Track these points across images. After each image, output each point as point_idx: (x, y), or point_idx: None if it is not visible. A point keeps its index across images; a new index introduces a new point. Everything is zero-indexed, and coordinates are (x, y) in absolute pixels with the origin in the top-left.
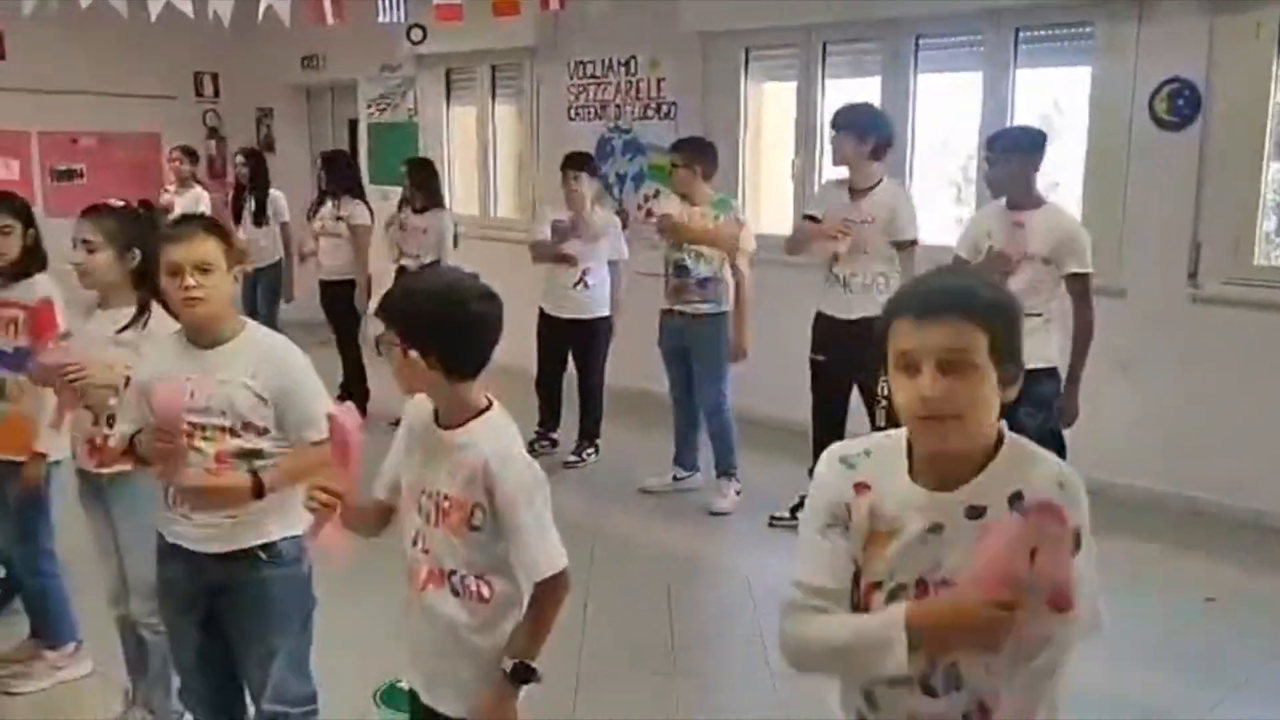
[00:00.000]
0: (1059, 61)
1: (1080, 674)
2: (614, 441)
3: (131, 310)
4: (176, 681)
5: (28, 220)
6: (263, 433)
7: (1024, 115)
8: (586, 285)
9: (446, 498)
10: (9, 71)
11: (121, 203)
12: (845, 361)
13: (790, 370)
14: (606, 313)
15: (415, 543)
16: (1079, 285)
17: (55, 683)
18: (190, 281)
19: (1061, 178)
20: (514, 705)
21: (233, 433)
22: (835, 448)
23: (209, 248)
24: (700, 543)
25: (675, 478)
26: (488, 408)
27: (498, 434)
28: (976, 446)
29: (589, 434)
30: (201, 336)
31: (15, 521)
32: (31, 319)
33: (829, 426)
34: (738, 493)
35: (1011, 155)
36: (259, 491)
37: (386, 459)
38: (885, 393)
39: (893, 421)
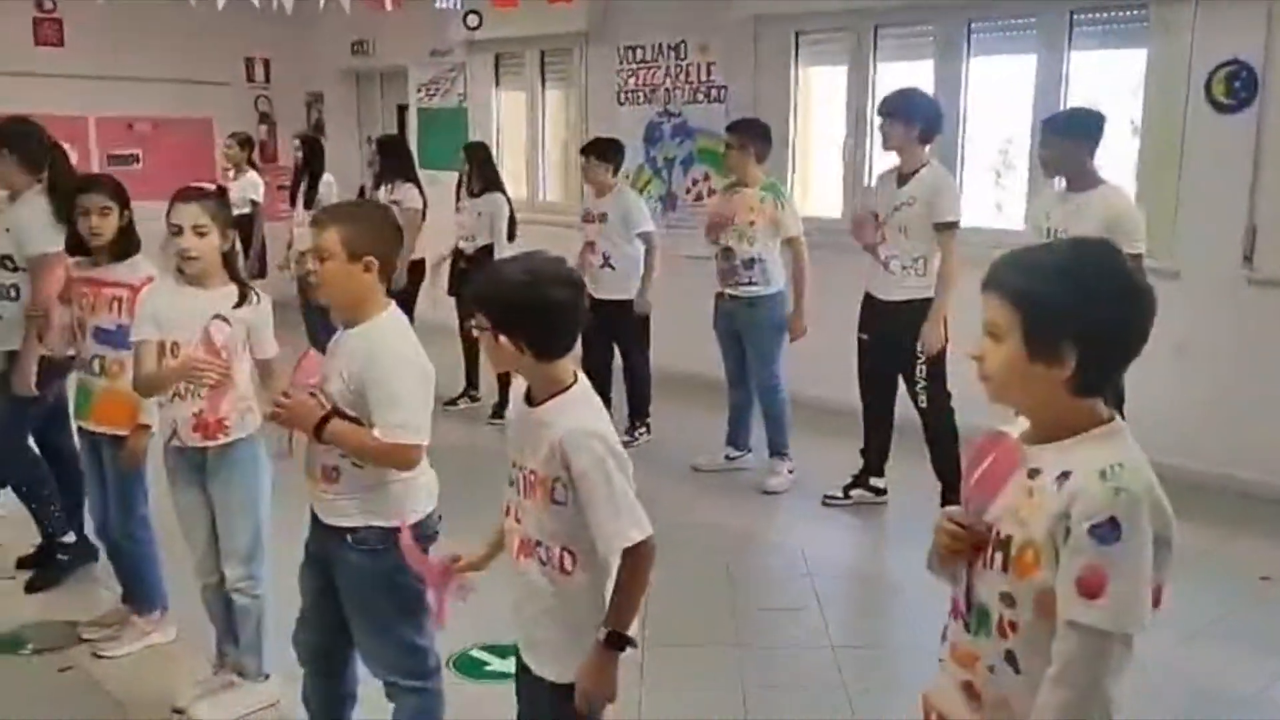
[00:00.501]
0: (1114, 44)
1: (1137, 650)
2: (667, 422)
3: (229, 289)
4: (266, 646)
5: (124, 202)
6: (357, 423)
7: (1078, 98)
8: (611, 267)
9: (533, 472)
10: (67, 59)
11: (214, 186)
12: (886, 342)
13: (842, 352)
14: (625, 296)
15: (509, 512)
16: (1133, 264)
17: (143, 647)
18: (312, 266)
19: (1115, 160)
20: (613, 671)
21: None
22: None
23: (328, 238)
24: (755, 520)
25: (728, 457)
26: (571, 385)
27: (575, 410)
28: (1049, 417)
29: (638, 413)
30: (341, 315)
31: (114, 490)
32: (136, 298)
33: (877, 406)
34: (790, 472)
35: (1064, 137)
36: (320, 431)
37: None
38: (923, 374)
39: (934, 402)
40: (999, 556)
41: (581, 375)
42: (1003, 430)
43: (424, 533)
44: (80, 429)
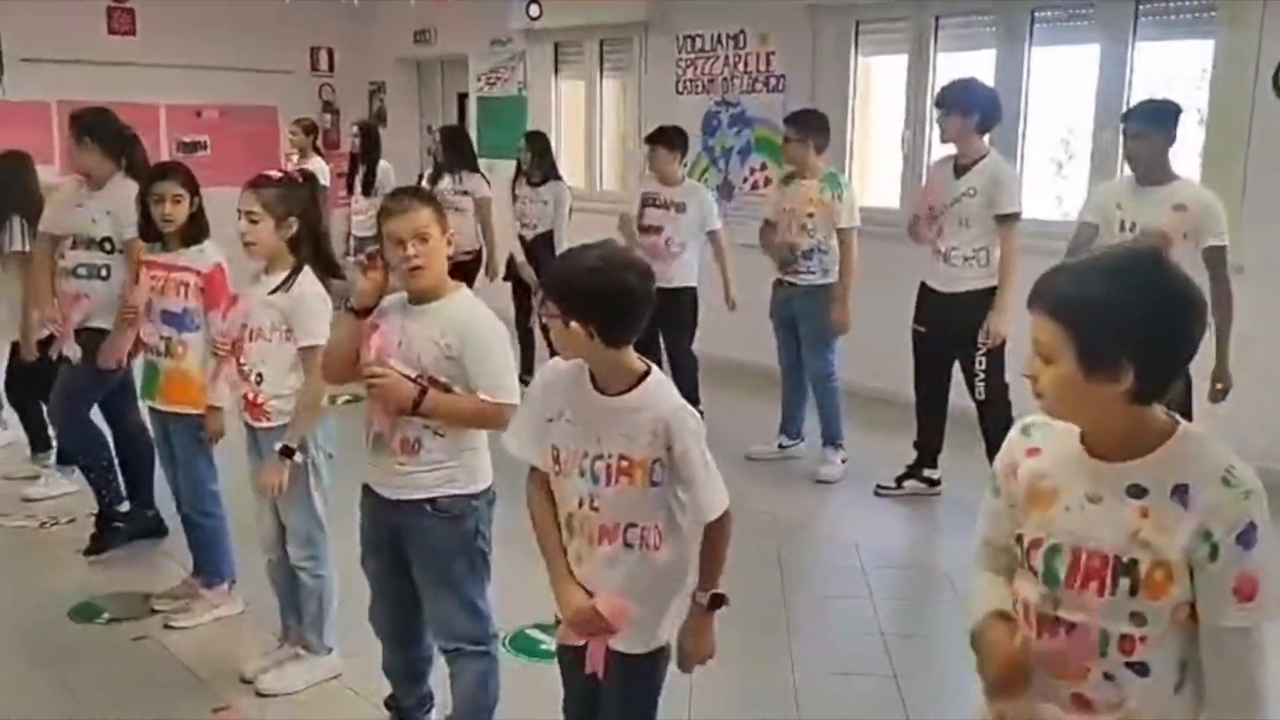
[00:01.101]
0: (1180, 35)
1: None
2: (720, 410)
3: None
4: (329, 622)
5: (194, 190)
6: (446, 390)
7: (1142, 89)
8: (675, 256)
9: (624, 458)
10: (139, 48)
11: (280, 174)
12: (944, 334)
13: (897, 342)
14: (691, 283)
15: (582, 504)
16: (1215, 258)
17: (212, 619)
18: (411, 251)
19: (1180, 152)
20: (714, 630)
21: (418, 383)
22: (1026, 417)
23: (425, 217)
24: (807, 509)
25: (781, 446)
26: (649, 370)
27: (669, 393)
28: (1111, 432)
29: (688, 400)
30: (419, 296)
31: (183, 467)
32: (206, 284)
33: (930, 398)
34: (844, 461)
35: (1156, 128)
36: (418, 404)
37: (520, 421)
38: (983, 366)
39: (992, 394)
40: (1125, 581)
41: (652, 364)
42: None
43: (488, 499)
44: (150, 409)
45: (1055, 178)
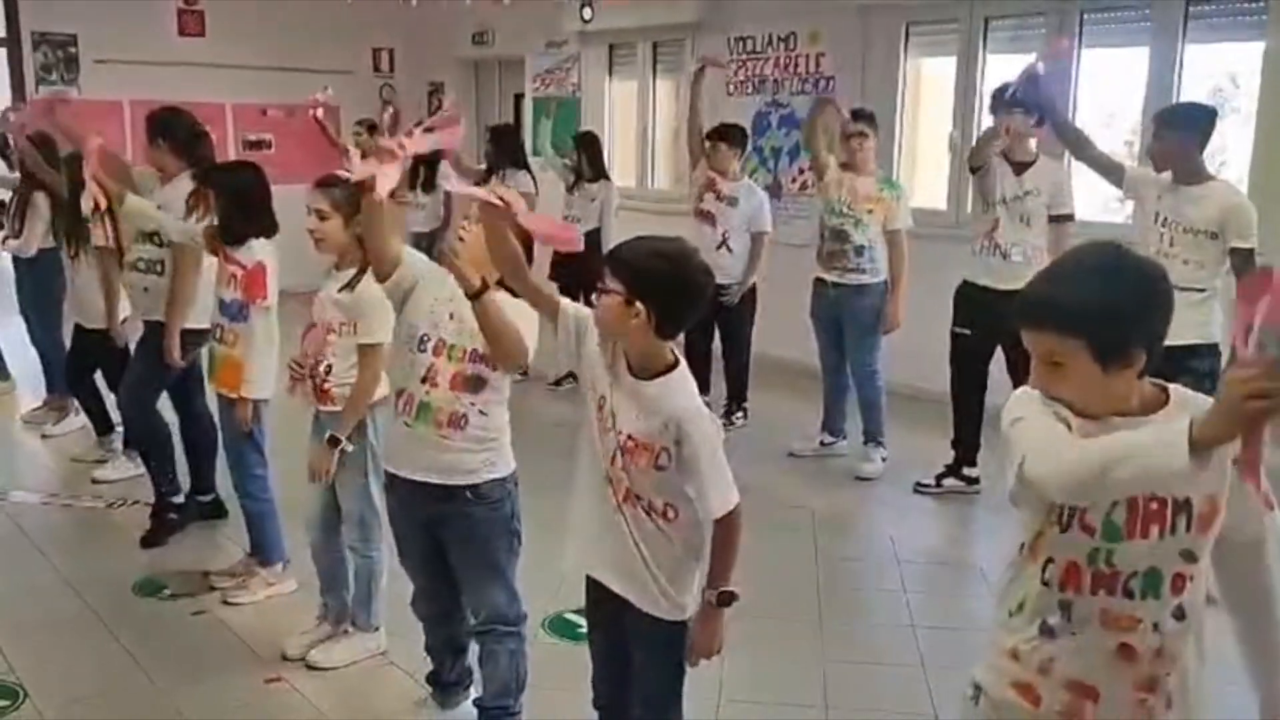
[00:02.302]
0: (1230, 36)
1: (1221, 638)
2: (763, 407)
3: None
4: (377, 601)
5: (231, 189)
6: (494, 368)
7: (1191, 90)
8: (730, 250)
9: (631, 438)
10: (208, 49)
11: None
12: (992, 331)
13: (941, 342)
14: (736, 280)
15: (614, 460)
16: (1243, 260)
17: (266, 596)
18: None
19: (1231, 154)
20: (721, 626)
21: (470, 357)
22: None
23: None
24: (846, 505)
25: (822, 443)
26: (676, 363)
27: (687, 389)
28: (1116, 404)
29: (737, 398)
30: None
31: (229, 451)
32: (247, 278)
33: (970, 397)
34: (884, 459)
35: (1175, 130)
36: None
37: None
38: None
39: None
40: (1182, 519)
41: (680, 355)
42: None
43: (515, 481)
44: (216, 392)
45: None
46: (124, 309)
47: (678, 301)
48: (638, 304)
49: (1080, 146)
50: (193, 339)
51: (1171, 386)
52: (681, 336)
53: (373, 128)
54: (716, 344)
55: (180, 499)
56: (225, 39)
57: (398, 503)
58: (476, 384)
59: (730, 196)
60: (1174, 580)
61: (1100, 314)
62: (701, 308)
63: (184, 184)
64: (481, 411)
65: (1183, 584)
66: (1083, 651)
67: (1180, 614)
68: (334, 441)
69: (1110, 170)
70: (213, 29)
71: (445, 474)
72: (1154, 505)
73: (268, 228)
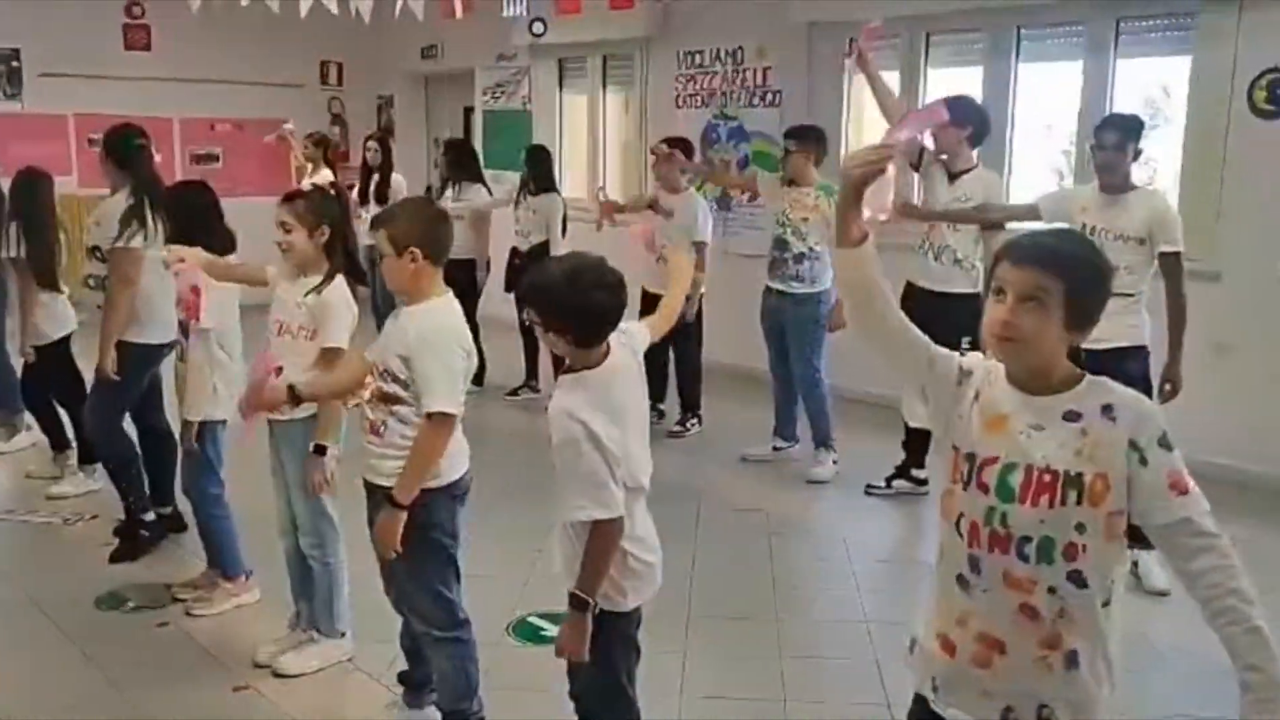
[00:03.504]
0: (1160, 51)
1: (1165, 633)
2: (717, 414)
3: (318, 279)
4: (339, 606)
5: (172, 208)
6: (403, 385)
7: (1123, 104)
8: (667, 262)
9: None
10: (155, 62)
11: (311, 187)
12: (929, 332)
13: None
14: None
15: None
16: (1172, 264)
17: (231, 607)
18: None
19: (1160, 165)
20: (580, 629)
21: (381, 375)
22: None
23: (379, 237)
24: (799, 507)
25: (775, 448)
26: (592, 366)
27: (570, 390)
28: (1048, 369)
29: (689, 406)
30: (403, 297)
31: (187, 467)
32: (187, 300)
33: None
34: (835, 463)
35: (1127, 138)
36: (399, 505)
37: None
38: (966, 347)
39: None
40: (1073, 493)
41: (615, 355)
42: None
43: (458, 491)
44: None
45: (1058, 189)
46: (70, 324)
47: (583, 319)
48: (552, 333)
49: (987, 220)
50: (148, 353)
51: (1089, 375)
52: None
53: (321, 141)
54: None
55: (151, 516)
56: (172, 53)
57: (366, 494)
58: (391, 399)
59: (666, 210)
60: (1066, 548)
61: (1082, 268)
62: (615, 318)
63: (120, 200)
64: (400, 421)
65: (1075, 553)
66: (992, 607)
67: (1080, 581)
68: (320, 450)
69: (1025, 215)
70: (159, 43)
71: (371, 474)
72: (1046, 477)
73: (221, 244)
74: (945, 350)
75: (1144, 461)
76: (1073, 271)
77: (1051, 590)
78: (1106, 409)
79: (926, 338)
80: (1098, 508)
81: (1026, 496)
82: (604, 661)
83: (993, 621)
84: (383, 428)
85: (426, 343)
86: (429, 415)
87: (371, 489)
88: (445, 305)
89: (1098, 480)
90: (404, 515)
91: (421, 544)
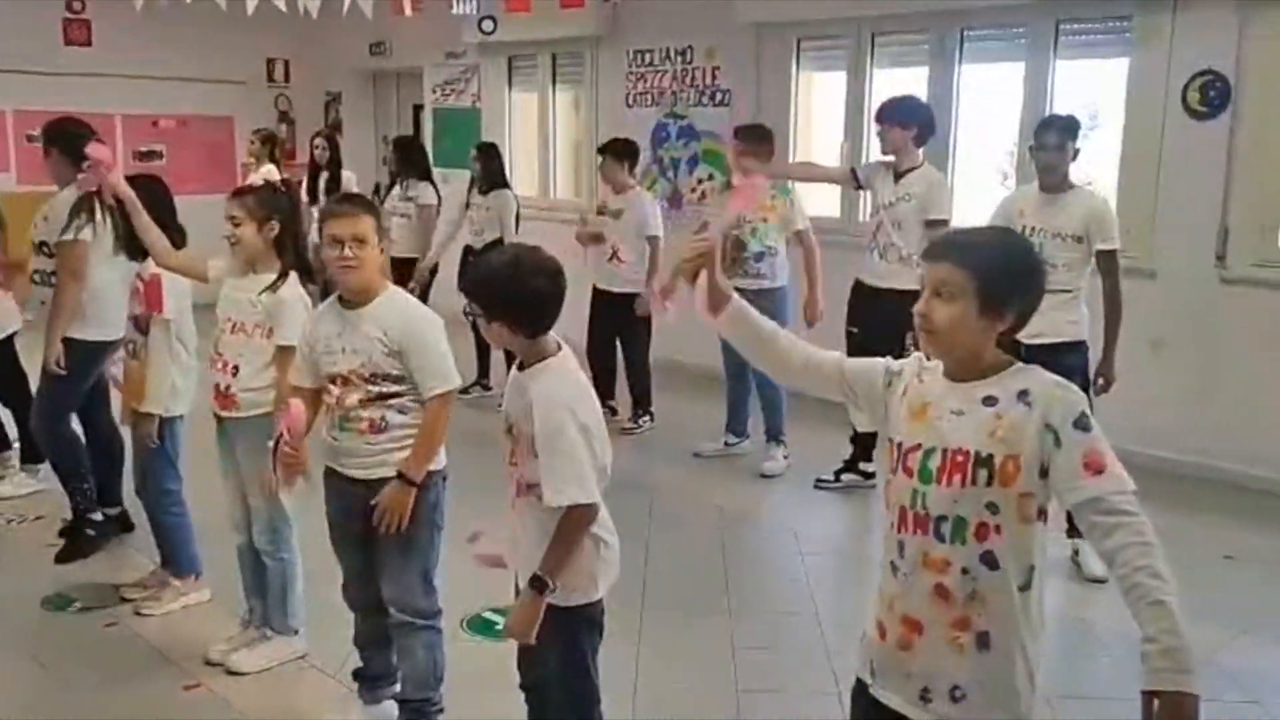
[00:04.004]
0: (1098, 53)
1: (1103, 618)
2: (669, 411)
3: (273, 276)
4: (293, 603)
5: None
6: (398, 380)
7: (1063, 105)
8: (619, 260)
9: (513, 426)
10: (95, 58)
11: (261, 183)
12: (875, 329)
13: (837, 344)
14: (638, 289)
15: (506, 459)
16: (1108, 261)
17: (180, 607)
18: (348, 253)
19: (1098, 165)
20: (532, 612)
21: (370, 380)
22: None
23: (365, 223)
24: (751, 501)
25: (727, 443)
26: (551, 356)
27: (549, 377)
28: (974, 359)
29: (640, 402)
30: (354, 298)
31: (143, 465)
32: (146, 291)
33: None
34: (786, 457)
35: (1068, 139)
36: (410, 482)
37: None
38: (911, 344)
39: None
40: (983, 472)
41: (566, 348)
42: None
43: (443, 477)
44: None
45: (1001, 188)
46: (15, 323)
47: (526, 307)
48: (495, 323)
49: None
50: (96, 351)
51: (1021, 364)
52: (587, 346)
53: (269, 138)
54: None
55: (99, 516)
56: (113, 48)
57: (334, 489)
58: (387, 398)
59: (614, 210)
60: (978, 528)
61: (992, 260)
62: (556, 305)
63: (71, 193)
64: (400, 411)
65: (987, 533)
66: (912, 589)
67: (992, 562)
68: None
69: (839, 177)
70: (100, 38)
71: (376, 469)
72: (959, 458)
73: (174, 240)
74: (862, 361)
75: (1059, 443)
76: (980, 262)
77: (965, 571)
78: (1023, 394)
79: (835, 356)
80: (1009, 488)
81: (942, 477)
82: (574, 652)
83: (912, 603)
84: (383, 423)
85: (414, 332)
86: (435, 396)
87: (362, 483)
88: (405, 296)
89: (1009, 462)
90: (414, 491)
91: (425, 524)
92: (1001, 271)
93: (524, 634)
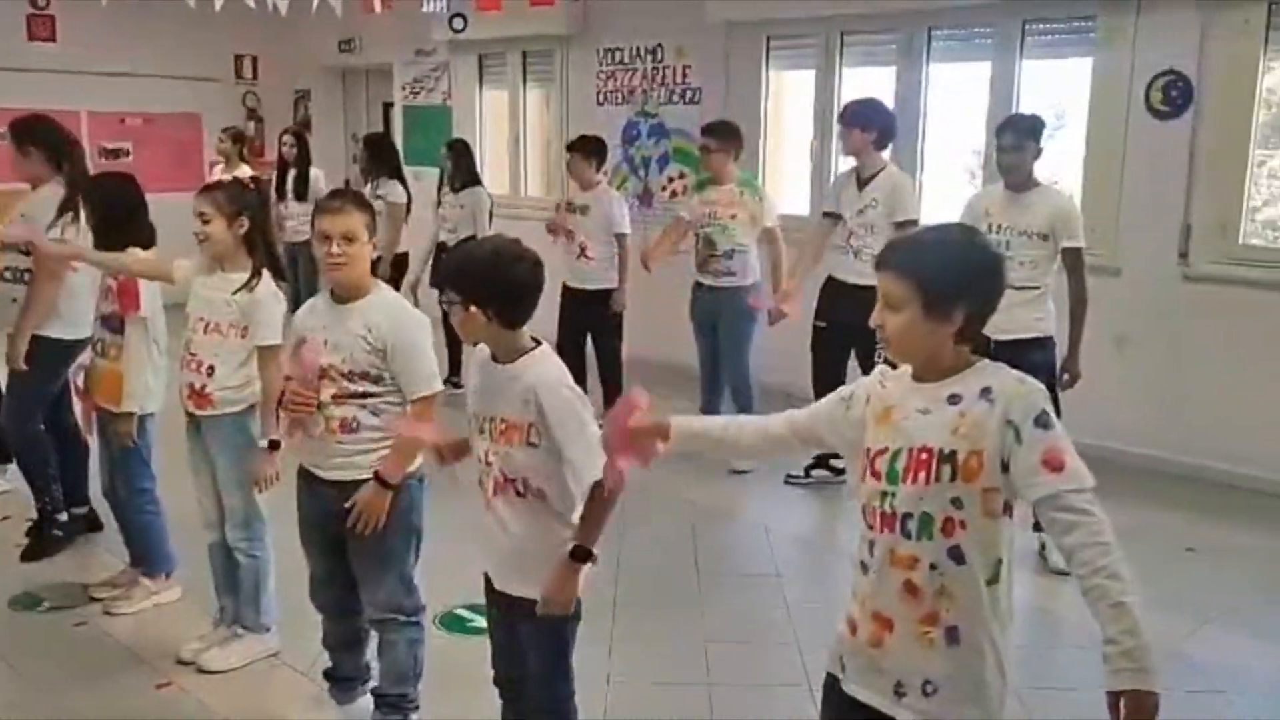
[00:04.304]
0: (1063, 54)
1: (1066, 608)
2: None
3: (245, 275)
4: (266, 601)
5: (104, 201)
6: (376, 380)
7: (1029, 105)
8: (588, 258)
9: (504, 420)
10: (60, 55)
11: (230, 178)
12: (846, 325)
13: (808, 342)
14: (607, 286)
15: (482, 459)
16: (1073, 259)
17: (150, 605)
18: (335, 249)
19: (1063, 164)
20: (574, 583)
21: (348, 377)
22: (883, 367)
23: (356, 220)
24: (722, 497)
25: None
26: (535, 346)
27: (544, 365)
28: (935, 360)
29: (612, 399)
30: (343, 294)
31: (117, 463)
32: (120, 290)
33: (827, 392)
34: None
35: (1030, 139)
36: (385, 484)
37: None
38: (881, 358)
39: None
40: (947, 468)
41: (545, 344)
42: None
43: (419, 478)
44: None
45: (969, 187)
46: None
47: (507, 294)
48: (473, 308)
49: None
50: (68, 349)
51: (986, 361)
52: (557, 343)
53: (239, 136)
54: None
55: (65, 516)
56: (79, 44)
57: (306, 490)
58: (361, 396)
59: (581, 206)
60: (944, 524)
61: (932, 264)
62: (535, 294)
63: (50, 192)
64: (373, 413)
65: (953, 528)
66: (881, 587)
67: (959, 557)
68: (274, 445)
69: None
70: (65, 34)
71: (348, 471)
72: (923, 455)
73: (145, 239)
74: (813, 407)
75: (1019, 439)
76: (919, 268)
77: (933, 567)
78: (985, 391)
79: (784, 416)
80: (972, 483)
81: (907, 476)
82: (559, 643)
83: (882, 600)
84: (354, 424)
85: (401, 333)
86: (418, 400)
87: (334, 484)
88: (395, 296)
89: (972, 457)
90: (390, 494)
91: (404, 527)
92: (943, 274)
93: (565, 605)
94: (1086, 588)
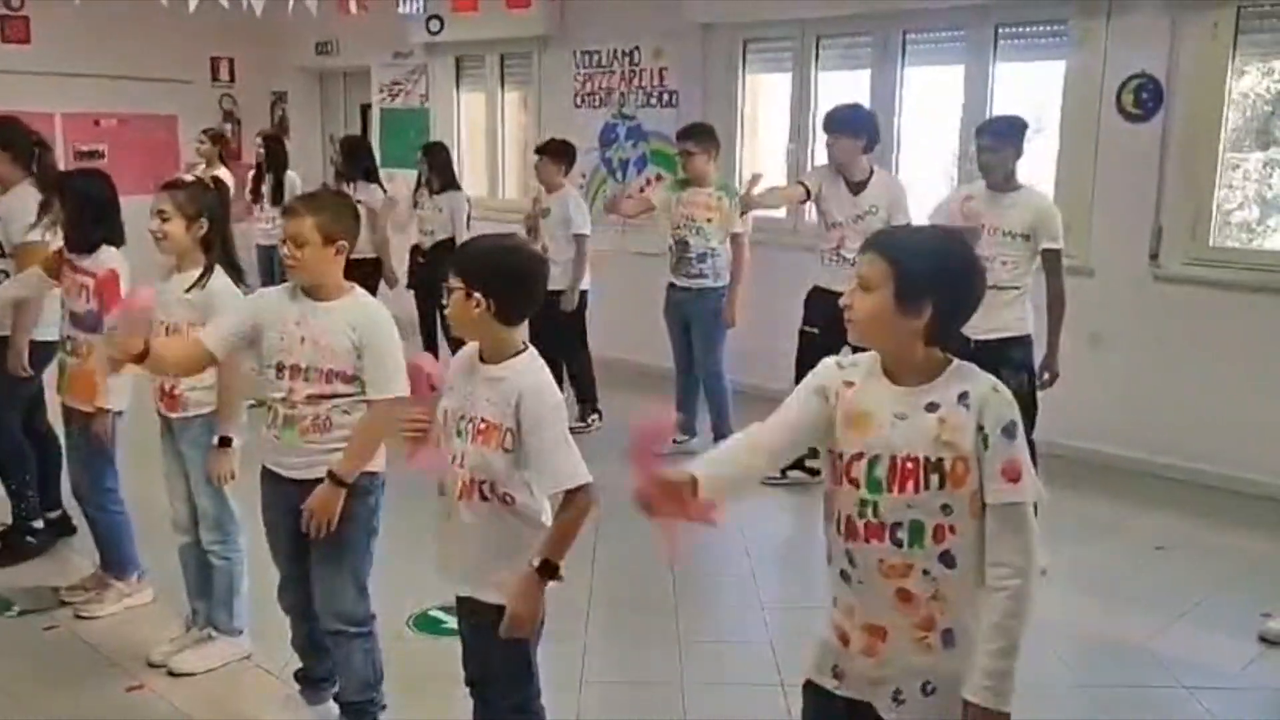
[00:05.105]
0: (1035, 56)
1: (1044, 607)
2: (617, 409)
3: (198, 272)
4: (238, 603)
5: (84, 198)
6: (352, 380)
7: (1002, 107)
8: (552, 261)
9: (484, 420)
10: (34, 56)
11: (191, 178)
12: (838, 334)
13: (786, 343)
14: (562, 287)
15: (454, 460)
16: (1053, 259)
17: (122, 608)
18: (285, 251)
19: (1037, 165)
20: (539, 597)
21: (327, 377)
22: (832, 358)
23: (306, 225)
24: None
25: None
26: (524, 350)
27: (531, 370)
28: (906, 356)
29: (585, 400)
30: (318, 293)
31: (84, 463)
32: (100, 287)
33: None
34: None
35: (1009, 140)
36: (340, 482)
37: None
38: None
39: None
40: (935, 477)
41: (532, 348)
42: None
43: (380, 483)
44: (62, 404)
45: (945, 189)
46: None
47: (510, 286)
48: (476, 294)
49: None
50: (39, 352)
51: (957, 360)
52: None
53: (218, 138)
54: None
55: (40, 524)
56: (53, 46)
57: (271, 491)
58: (332, 397)
59: (544, 208)
60: (935, 530)
61: (915, 253)
62: (539, 294)
63: (25, 192)
64: (345, 412)
65: (944, 534)
66: (870, 597)
67: (950, 561)
68: (225, 442)
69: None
70: (39, 35)
71: (314, 469)
72: (909, 465)
73: (117, 236)
74: (804, 402)
75: (986, 445)
76: (901, 254)
77: (926, 573)
78: (962, 396)
79: (777, 423)
80: (960, 489)
81: (893, 485)
82: (518, 644)
83: (873, 611)
84: (328, 424)
85: (376, 334)
86: (382, 400)
87: (298, 483)
88: (370, 298)
89: (958, 463)
90: (344, 492)
91: (360, 530)
92: (922, 265)
93: (533, 621)
94: (991, 597)
